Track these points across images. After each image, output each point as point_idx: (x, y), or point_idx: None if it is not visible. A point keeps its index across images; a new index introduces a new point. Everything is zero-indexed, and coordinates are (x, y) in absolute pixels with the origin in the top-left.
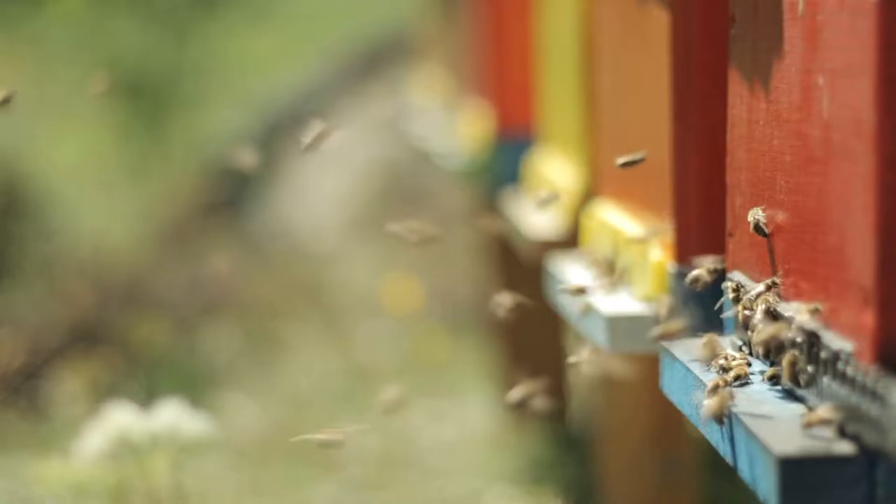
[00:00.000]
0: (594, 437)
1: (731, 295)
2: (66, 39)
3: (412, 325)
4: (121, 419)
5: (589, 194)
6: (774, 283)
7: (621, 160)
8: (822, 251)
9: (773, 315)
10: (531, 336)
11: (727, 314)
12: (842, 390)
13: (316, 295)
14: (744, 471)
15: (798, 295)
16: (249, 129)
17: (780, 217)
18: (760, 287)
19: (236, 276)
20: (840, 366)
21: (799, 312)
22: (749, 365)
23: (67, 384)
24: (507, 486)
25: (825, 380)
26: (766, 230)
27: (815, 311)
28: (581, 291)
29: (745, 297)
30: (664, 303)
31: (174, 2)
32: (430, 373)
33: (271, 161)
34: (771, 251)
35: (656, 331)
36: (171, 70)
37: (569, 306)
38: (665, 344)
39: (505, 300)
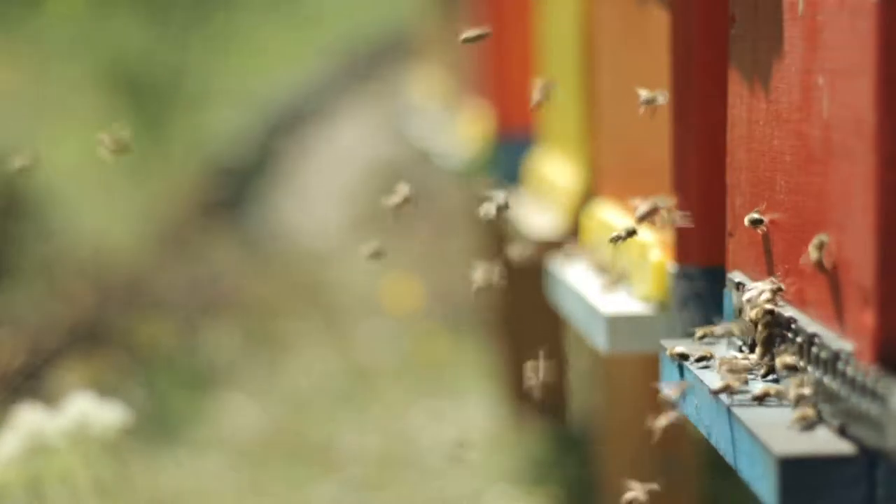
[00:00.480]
0: (594, 437)
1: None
2: (67, 39)
3: (412, 325)
4: (30, 419)
5: (589, 194)
6: (779, 289)
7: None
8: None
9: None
10: (531, 336)
11: (727, 314)
12: (842, 390)
13: (316, 295)
14: (744, 471)
15: (798, 295)
16: (250, 129)
17: (780, 217)
18: (766, 294)
19: (236, 276)
20: (840, 366)
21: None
22: (748, 370)
23: (68, 384)
24: (507, 486)
25: (825, 379)
26: (763, 219)
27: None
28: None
29: (747, 301)
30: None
31: (175, 2)
32: (430, 373)
33: (271, 161)
34: (768, 250)
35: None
36: (171, 70)
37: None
38: (665, 344)
39: None
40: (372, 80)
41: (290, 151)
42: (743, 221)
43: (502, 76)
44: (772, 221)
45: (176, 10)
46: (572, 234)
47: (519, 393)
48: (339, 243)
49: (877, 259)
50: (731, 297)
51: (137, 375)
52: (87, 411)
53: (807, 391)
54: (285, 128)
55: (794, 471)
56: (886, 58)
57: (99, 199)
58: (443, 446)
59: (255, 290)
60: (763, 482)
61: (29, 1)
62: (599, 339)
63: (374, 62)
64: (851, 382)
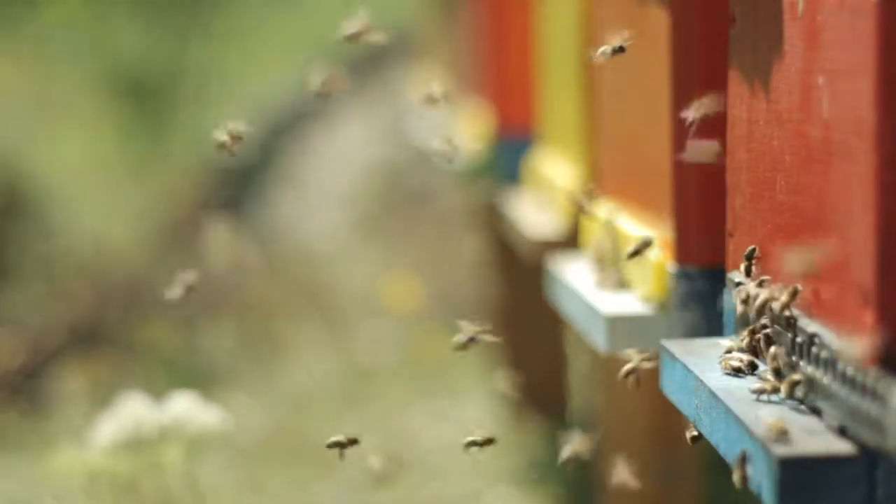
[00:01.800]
0: (594, 437)
1: (740, 302)
2: (67, 40)
3: (412, 325)
4: (134, 409)
5: (589, 194)
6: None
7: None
8: (822, 251)
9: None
10: (531, 336)
11: (727, 314)
12: (842, 390)
13: (316, 295)
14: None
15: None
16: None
17: (780, 217)
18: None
19: (236, 275)
20: (840, 366)
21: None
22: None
23: (68, 384)
24: (507, 486)
25: (825, 379)
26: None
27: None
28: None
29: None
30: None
31: (175, 2)
32: (430, 373)
33: (271, 161)
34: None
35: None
36: (171, 70)
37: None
38: (665, 344)
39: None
40: (372, 80)
41: (290, 152)
42: (743, 221)
43: (502, 76)
44: (771, 222)
45: (176, 10)
46: (572, 234)
47: (519, 393)
48: (340, 243)
49: (877, 259)
50: (731, 297)
51: (137, 375)
52: (189, 411)
53: (796, 376)
54: (286, 128)
55: (794, 471)
56: (886, 58)
57: (99, 199)
58: (443, 446)
59: (255, 290)
60: (763, 482)
61: (29, 1)
62: (599, 339)
63: (374, 62)
64: (851, 382)
